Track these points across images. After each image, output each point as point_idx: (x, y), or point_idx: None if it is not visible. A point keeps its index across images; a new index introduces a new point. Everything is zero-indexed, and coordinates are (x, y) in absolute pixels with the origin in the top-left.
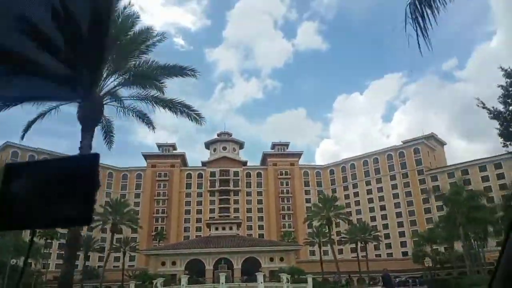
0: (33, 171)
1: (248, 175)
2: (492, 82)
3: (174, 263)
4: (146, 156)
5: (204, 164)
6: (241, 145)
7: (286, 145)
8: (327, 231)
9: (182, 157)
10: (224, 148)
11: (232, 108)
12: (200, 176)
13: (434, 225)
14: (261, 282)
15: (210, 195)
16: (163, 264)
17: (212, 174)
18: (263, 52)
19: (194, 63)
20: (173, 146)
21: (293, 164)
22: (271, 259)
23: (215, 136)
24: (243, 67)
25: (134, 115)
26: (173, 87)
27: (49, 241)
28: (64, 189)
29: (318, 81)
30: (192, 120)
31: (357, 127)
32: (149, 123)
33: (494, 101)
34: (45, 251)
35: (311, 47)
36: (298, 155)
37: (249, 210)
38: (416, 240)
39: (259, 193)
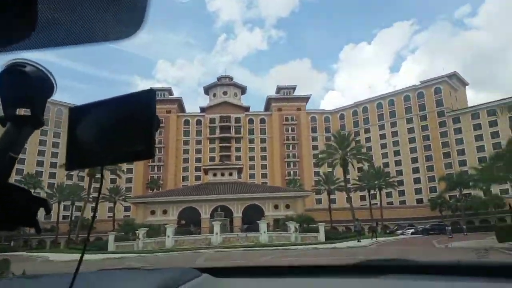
0: (95, 111)
1: (251, 121)
2: (506, 30)
3: (165, 212)
4: None
5: (203, 110)
6: (243, 90)
7: (293, 88)
8: (336, 178)
9: (179, 102)
10: (225, 93)
11: (235, 60)
12: (199, 122)
13: (457, 170)
14: (264, 232)
15: (210, 143)
16: (153, 213)
17: (212, 120)
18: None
19: (195, 14)
20: (169, 91)
21: (300, 109)
22: (276, 207)
23: (215, 81)
24: (246, 17)
25: None
26: (177, 39)
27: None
28: (126, 126)
29: (324, 30)
30: None
31: (363, 79)
32: None
33: (507, 49)
34: None
35: None
36: (305, 99)
37: (251, 158)
38: (433, 187)
39: (263, 140)
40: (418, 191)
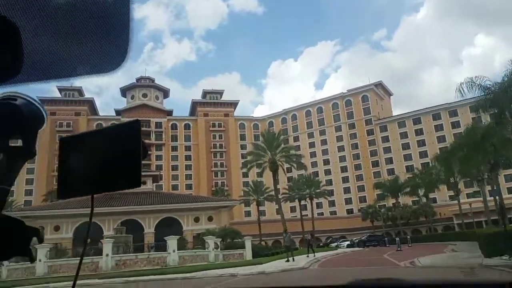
0: (84, 142)
1: (174, 126)
2: (417, 53)
3: (57, 229)
4: (43, 101)
5: (118, 113)
6: (165, 93)
7: (220, 93)
8: (265, 188)
9: (90, 103)
10: (145, 95)
11: (162, 71)
12: None
13: (387, 178)
14: (174, 251)
15: None
16: (41, 230)
17: None
18: (196, 11)
19: (119, 19)
20: (79, 91)
21: (228, 115)
22: (197, 220)
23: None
24: (175, 27)
25: None
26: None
27: None
28: (114, 156)
29: (253, 45)
30: None
31: (290, 94)
32: None
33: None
34: None
35: (246, 9)
36: (234, 104)
37: (174, 168)
38: (362, 197)
39: (187, 148)
40: (348, 201)
